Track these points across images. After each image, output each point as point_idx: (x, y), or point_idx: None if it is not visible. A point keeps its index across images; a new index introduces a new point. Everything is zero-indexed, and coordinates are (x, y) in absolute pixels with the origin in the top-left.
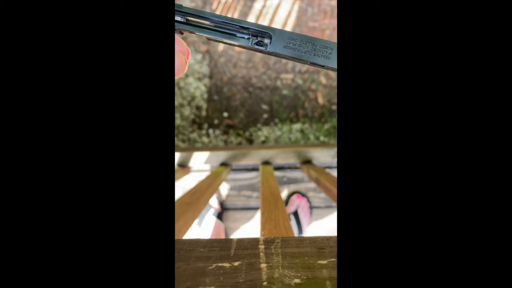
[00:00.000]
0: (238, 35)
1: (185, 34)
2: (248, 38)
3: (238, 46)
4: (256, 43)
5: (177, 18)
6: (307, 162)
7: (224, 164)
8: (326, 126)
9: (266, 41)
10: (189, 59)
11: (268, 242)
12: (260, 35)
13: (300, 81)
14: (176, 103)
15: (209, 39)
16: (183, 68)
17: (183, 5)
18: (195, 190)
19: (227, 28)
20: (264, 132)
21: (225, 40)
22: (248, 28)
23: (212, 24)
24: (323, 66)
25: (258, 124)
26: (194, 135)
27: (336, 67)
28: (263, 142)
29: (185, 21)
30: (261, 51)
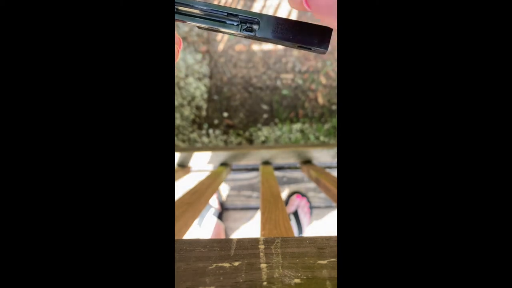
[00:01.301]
0: (228, 22)
1: (183, 34)
2: (237, 25)
3: (228, 33)
4: (245, 29)
5: None
6: (307, 162)
7: (224, 164)
8: (326, 126)
9: (255, 27)
10: (181, 54)
11: (268, 242)
12: (249, 22)
13: (300, 81)
14: (176, 103)
15: (199, 27)
16: (176, 57)
17: None
18: (195, 190)
19: (216, 16)
20: (264, 132)
21: (215, 28)
22: (236, 15)
23: (202, 13)
24: (310, 49)
25: (258, 124)
26: (194, 135)
27: (322, 49)
28: (263, 142)
29: (175, 10)
30: (250, 37)
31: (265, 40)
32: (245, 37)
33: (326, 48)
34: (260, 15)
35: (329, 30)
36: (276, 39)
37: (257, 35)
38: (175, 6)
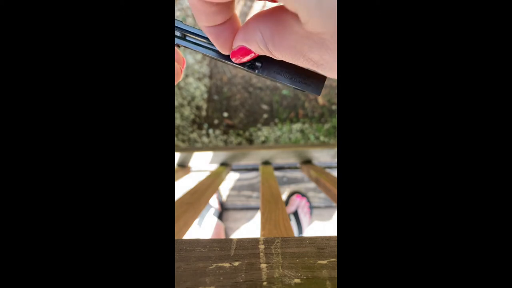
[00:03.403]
0: None
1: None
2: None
3: (231, 65)
4: (248, 66)
5: (176, 33)
6: (307, 162)
7: (224, 164)
8: (326, 126)
9: (258, 64)
10: (181, 53)
11: (268, 242)
12: (253, 60)
13: None
14: (176, 103)
15: (206, 56)
16: (178, 76)
17: (183, 22)
18: (195, 190)
19: None
20: (264, 132)
21: (219, 59)
22: None
23: (208, 43)
24: (304, 91)
25: (258, 124)
26: (194, 135)
27: (314, 93)
28: (263, 142)
29: (183, 36)
30: (252, 73)
31: (265, 77)
32: (247, 71)
33: (319, 93)
34: (265, 57)
35: (323, 77)
36: (275, 79)
37: (258, 72)
38: (184, 33)
